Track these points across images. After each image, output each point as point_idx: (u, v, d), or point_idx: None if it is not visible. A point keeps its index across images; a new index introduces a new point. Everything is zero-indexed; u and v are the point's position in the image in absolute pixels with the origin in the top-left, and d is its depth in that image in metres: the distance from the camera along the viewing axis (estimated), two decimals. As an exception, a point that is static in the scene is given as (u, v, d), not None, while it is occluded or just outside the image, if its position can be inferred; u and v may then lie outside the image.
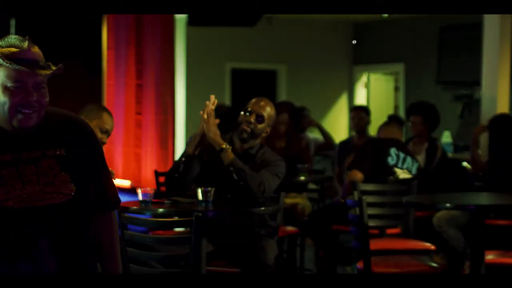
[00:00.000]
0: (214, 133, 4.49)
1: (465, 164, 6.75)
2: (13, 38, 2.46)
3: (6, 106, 2.43)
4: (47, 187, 2.45)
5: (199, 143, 4.54)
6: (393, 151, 5.85)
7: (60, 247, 2.46)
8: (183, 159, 4.53)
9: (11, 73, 2.41)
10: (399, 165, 5.84)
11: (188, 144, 4.64)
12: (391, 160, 5.82)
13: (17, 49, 2.43)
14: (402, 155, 5.87)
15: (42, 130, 2.50)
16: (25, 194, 2.42)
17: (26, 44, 2.44)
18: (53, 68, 2.47)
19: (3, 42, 2.46)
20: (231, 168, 4.40)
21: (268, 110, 4.63)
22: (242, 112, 4.61)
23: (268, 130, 4.68)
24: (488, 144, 6.34)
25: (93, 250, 2.62)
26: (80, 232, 2.53)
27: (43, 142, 2.49)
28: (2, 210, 2.39)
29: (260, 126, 4.59)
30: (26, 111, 2.43)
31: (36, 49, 2.47)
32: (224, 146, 4.47)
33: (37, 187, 2.44)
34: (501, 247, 4.87)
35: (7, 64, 2.39)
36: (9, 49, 2.43)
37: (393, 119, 6.69)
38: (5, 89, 2.42)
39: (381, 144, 5.93)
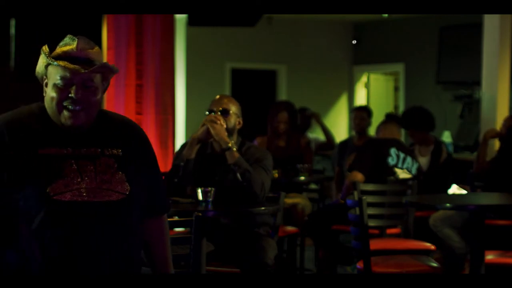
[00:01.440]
0: (222, 131, 4.47)
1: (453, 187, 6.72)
2: (67, 37, 2.57)
3: (54, 102, 2.51)
4: (103, 184, 2.50)
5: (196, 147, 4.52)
6: (393, 151, 5.85)
7: (109, 243, 2.50)
8: (182, 164, 4.50)
9: (59, 71, 2.50)
10: (399, 165, 5.84)
11: (186, 148, 4.57)
12: (391, 161, 5.82)
13: (68, 47, 2.53)
14: (402, 155, 5.87)
15: (99, 129, 2.57)
16: (83, 188, 2.47)
17: (75, 42, 2.54)
18: (97, 65, 2.56)
19: (61, 42, 2.57)
20: (236, 168, 4.38)
21: (231, 105, 4.59)
22: (207, 113, 4.58)
23: (241, 121, 4.62)
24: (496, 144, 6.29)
25: (140, 250, 2.67)
26: (130, 231, 2.57)
27: (100, 140, 2.56)
28: (59, 202, 2.43)
29: (228, 120, 4.56)
30: (71, 107, 2.50)
31: (89, 47, 2.57)
32: (231, 144, 4.45)
33: (94, 183, 2.49)
34: (501, 247, 4.87)
35: (49, 61, 2.50)
36: (62, 48, 2.53)
37: (391, 118, 6.67)
38: (54, 86, 2.51)
39: (381, 145, 5.93)
